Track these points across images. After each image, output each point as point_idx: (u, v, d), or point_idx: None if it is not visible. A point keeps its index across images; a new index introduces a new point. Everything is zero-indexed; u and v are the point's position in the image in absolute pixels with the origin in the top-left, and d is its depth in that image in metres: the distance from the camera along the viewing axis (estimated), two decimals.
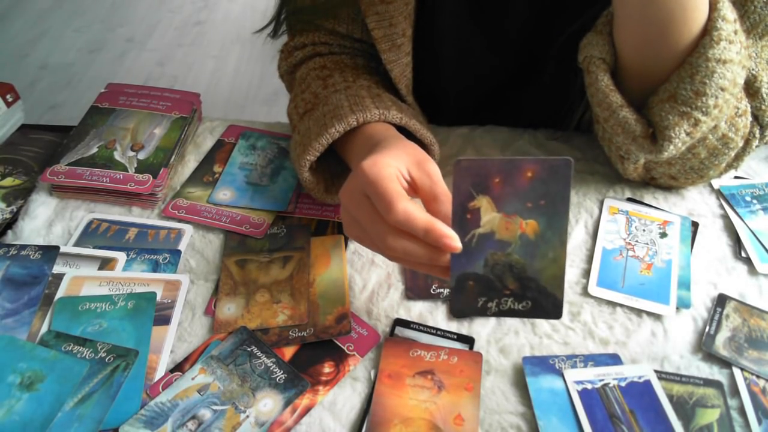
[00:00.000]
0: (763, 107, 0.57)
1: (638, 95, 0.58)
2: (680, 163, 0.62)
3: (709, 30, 0.52)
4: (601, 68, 0.57)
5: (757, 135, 0.58)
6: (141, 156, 0.69)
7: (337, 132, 0.57)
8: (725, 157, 0.60)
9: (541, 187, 0.45)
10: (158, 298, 0.57)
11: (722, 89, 0.52)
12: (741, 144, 0.59)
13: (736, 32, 0.52)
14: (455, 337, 0.55)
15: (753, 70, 0.56)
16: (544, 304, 0.48)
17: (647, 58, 0.56)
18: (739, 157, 0.61)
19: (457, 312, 0.49)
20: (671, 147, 0.55)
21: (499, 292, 0.48)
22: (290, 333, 0.55)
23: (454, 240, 0.44)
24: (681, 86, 0.53)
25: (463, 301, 0.48)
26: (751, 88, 0.56)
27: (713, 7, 0.52)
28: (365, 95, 0.61)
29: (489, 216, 0.46)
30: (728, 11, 0.52)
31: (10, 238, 0.63)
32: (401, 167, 0.49)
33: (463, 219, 0.46)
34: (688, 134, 0.55)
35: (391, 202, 0.45)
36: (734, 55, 0.52)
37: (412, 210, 0.45)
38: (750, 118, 0.57)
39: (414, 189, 0.49)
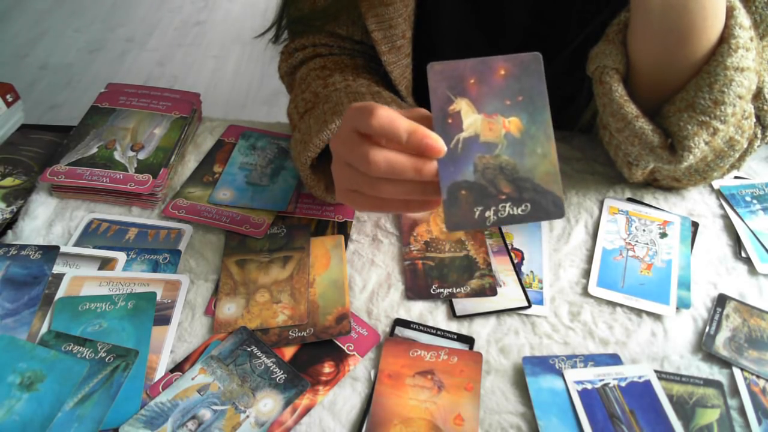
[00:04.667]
0: (765, 108, 0.56)
1: (651, 104, 0.57)
2: (686, 166, 0.62)
3: (726, 38, 0.51)
4: (615, 78, 0.56)
5: (759, 135, 0.58)
6: (141, 156, 0.69)
7: (337, 128, 0.57)
8: (730, 159, 0.60)
9: (515, 83, 0.45)
10: (158, 298, 0.57)
11: (740, 97, 0.52)
12: (746, 145, 0.59)
13: (752, 39, 0.52)
14: (455, 337, 0.55)
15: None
16: (544, 203, 0.45)
17: (663, 66, 0.55)
18: (742, 158, 0.61)
19: (453, 226, 0.45)
20: (691, 157, 0.55)
21: (494, 198, 0.45)
22: (290, 333, 0.55)
23: (437, 141, 0.43)
24: (699, 95, 0.53)
25: (458, 214, 0.45)
26: None
27: (729, 14, 0.52)
28: (365, 92, 0.61)
29: (471, 118, 0.45)
30: (744, 18, 0.52)
31: (10, 238, 0.63)
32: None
33: (444, 124, 0.45)
34: (707, 143, 0.54)
35: (373, 108, 0.45)
36: (750, 62, 0.52)
37: (395, 114, 0.44)
38: (753, 119, 0.57)
39: None
